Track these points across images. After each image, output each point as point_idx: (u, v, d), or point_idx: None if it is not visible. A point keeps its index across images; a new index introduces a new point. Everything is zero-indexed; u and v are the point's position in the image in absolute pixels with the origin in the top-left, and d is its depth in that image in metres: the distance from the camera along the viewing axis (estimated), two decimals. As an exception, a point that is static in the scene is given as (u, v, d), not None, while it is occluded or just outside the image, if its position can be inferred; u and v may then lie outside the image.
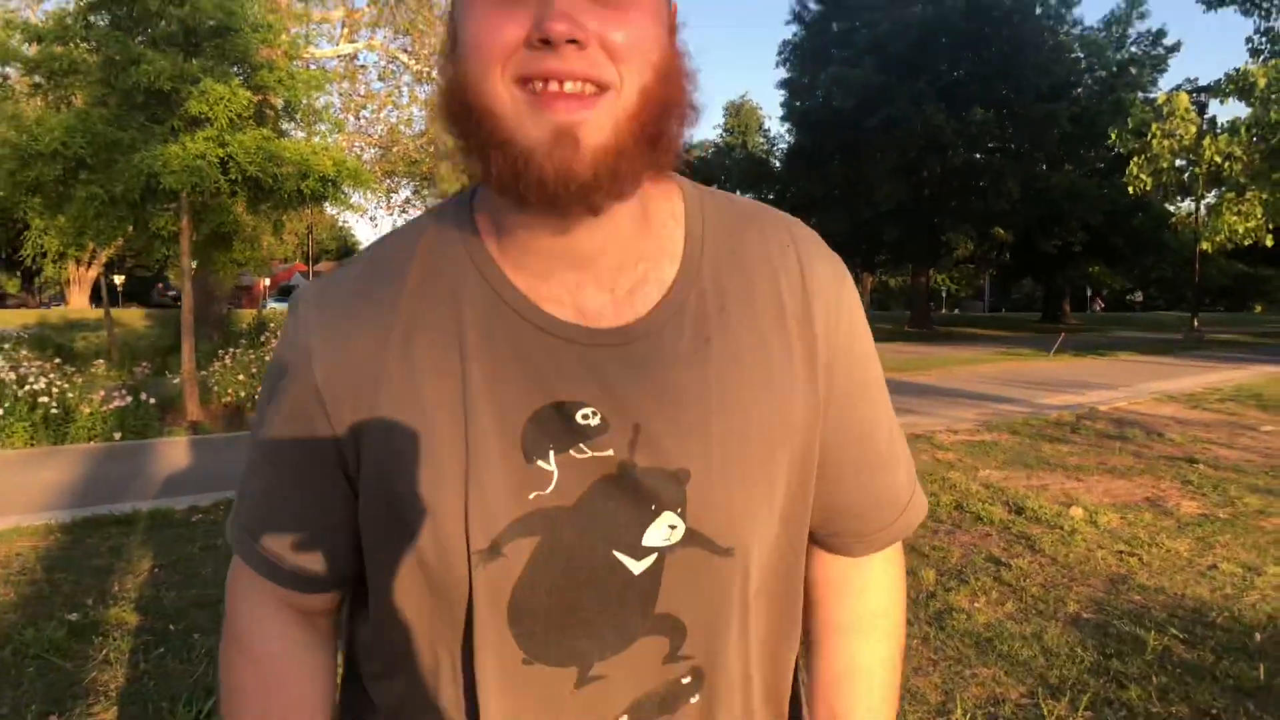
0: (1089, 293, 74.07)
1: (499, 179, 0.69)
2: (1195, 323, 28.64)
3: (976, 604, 4.05)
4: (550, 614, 0.75)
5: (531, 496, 0.74)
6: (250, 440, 0.85)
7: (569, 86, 0.66)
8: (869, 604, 0.92)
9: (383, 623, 0.82)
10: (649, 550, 0.75)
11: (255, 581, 0.86)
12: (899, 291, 71.27)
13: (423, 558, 0.75)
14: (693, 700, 0.80)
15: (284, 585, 0.85)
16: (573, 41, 0.65)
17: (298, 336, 0.79)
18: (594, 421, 0.74)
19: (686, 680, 0.80)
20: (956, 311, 71.55)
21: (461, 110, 0.69)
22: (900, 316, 45.46)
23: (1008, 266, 44.15)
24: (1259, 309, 73.46)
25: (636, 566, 0.75)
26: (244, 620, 0.87)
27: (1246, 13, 26.15)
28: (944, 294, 75.36)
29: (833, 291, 0.84)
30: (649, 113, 0.69)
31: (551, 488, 0.74)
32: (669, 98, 0.71)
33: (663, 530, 0.75)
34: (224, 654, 0.89)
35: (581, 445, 0.74)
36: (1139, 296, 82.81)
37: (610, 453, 0.74)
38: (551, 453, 0.74)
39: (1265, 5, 25.90)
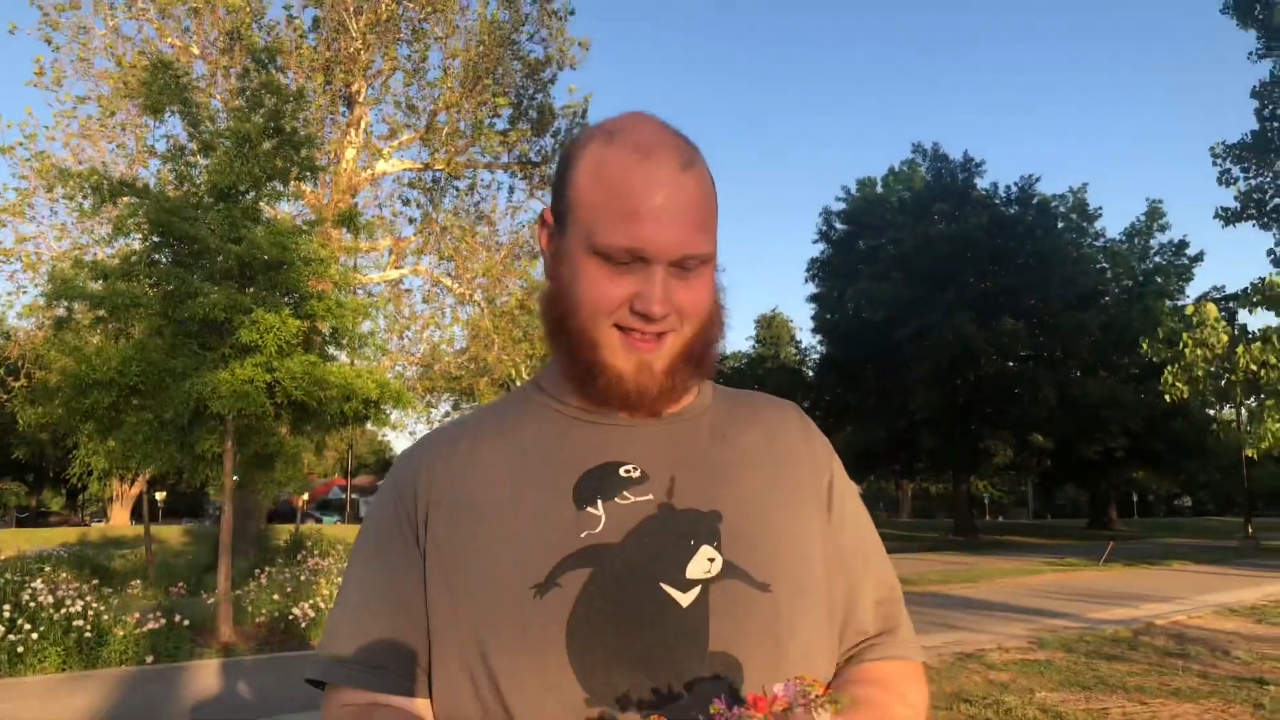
0: (1135, 498, 72.48)
1: (596, 390, 0.93)
2: (1249, 529, 27.83)
3: None
4: (607, 646, 0.84)
5: (583, 535, 0.88)
6: (349, 563, 1.00)
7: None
8: (903, 693, 0.99)
9: (445, 692, 0.90)
10: (693, 583, 0.87)
11: (347, 694, 0.93)
12: (940, 499, 70.20)
13: (479, 601, 0.88)
14: None
15: (373, 689, 0.92)
16: (665, 318, 0.90)
17: (405, 465, 0.99)
18: (635, 474, 0.92)
19: None
20: (1000, 519, 70.04)
21: (568, 326, 0.93)
22: (943, 525, 44.57)
23: (1050, 473, 43.54)
24: (1315, 513, 71.29)
25: (684, 599, 0.86)
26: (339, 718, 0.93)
27: (1264, 227, 26.90)
28: (986, 501, 74.10)
29: (825, 450, 1.06)
30: (698, 343, 0.94)
31: (600, 528, 0.88)
32: (711, 334, 0.96)
33: (702, 563, 0.87)
34: None
35: (625, 493, 0.90)
36: (1188, 501, 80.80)
37: (650, 497, 0.91)
38: (600, 500, 0.90)
39: (1283, 218, 26.67)
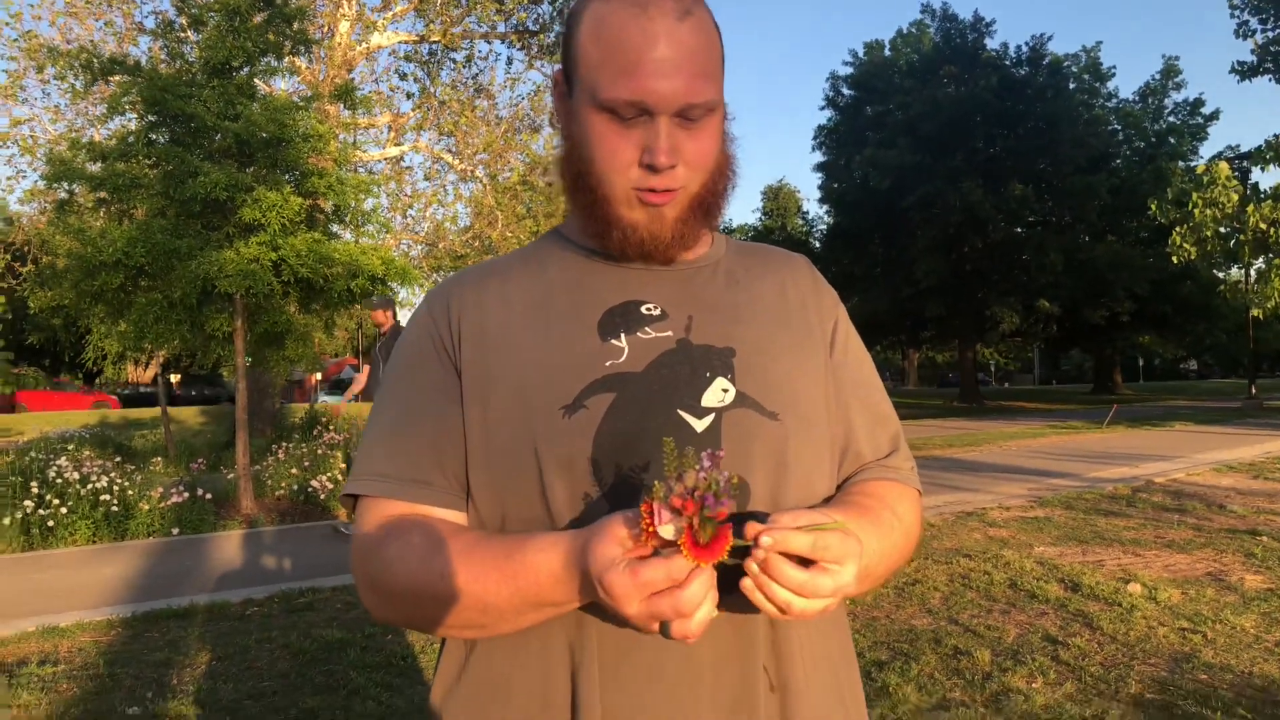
0: (1140, 363, 72.78)
1: (613, 241, 0.98)
2: (1254, 389, 28.04)
3: (1034, 685, 3.97)
4: (629, 465, 0.92)
5: (607, 364, 0.95)
6: (381, 388, 1.05)
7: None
8: (893, 507, 1.04)
9: (477, 509, 0.98)
10: (707, 410, 0.94)
11: (388, 506, 0.98)
12: (946, 367, 70.66)
13: (510, 420, 0.95)
14: None
15: (415, 500, 0.97)
16: (672, 168, 0.94)
17: (438, 296, 1.06)
18: (656, 312, 1.00)
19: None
20: (1006, 385, 70.63)
21: (583, 184, 0.98)
22: (949, 392, 44.98)
23: (1055, 339, 43.64)
24: (1319, 374, 71.64)
25: (699, 424, 0.93)
26: (384, 526, 0.97)
27: (1281, 80, 26.17)
28: (992, 368, 74.50)
29: (832, 299, 1.14)
30: (707, 194, 0.98)
31: (623, 358, 0.96)
32: (720, 184, 1.00)
33: (716, 393, 0.95)
34: (374, 556, 0.96)
35: (647, 329, 0.98)
36: (1194, 365, 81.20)
37: (670, 333, 0.98)
38: (623, 333, 0.98)
39: (1300, 73, 25.91)
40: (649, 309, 1.00)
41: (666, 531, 0.76)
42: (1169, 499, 9.14)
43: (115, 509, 8.42)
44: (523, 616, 0.90)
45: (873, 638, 4.70)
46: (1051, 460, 13.34)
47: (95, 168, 9.14)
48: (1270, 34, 26.89)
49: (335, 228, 10.27)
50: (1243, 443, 15.47)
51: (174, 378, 23.09)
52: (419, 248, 22.17)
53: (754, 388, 0.97)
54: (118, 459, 10.51)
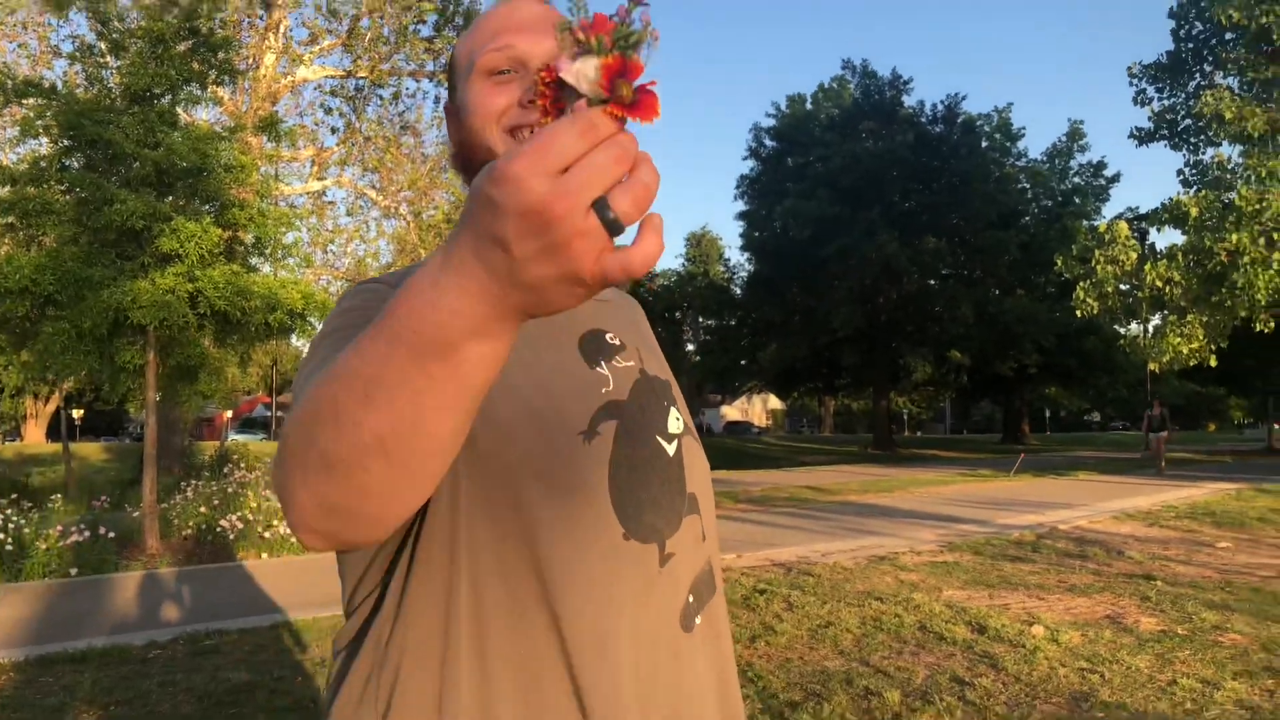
0: (1047, 414, 75.07)
1: None
2: (1150, 442, 29.09)
3: (941, 724, 4.06)
4: (634, 490, 0.94)
5: (603, 391, 0.98)
6: (315, 346, 0.88)
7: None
8: None
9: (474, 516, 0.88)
10: (673, 436, 1.00)
11: None
12: (861, 415, 71.90)
13: (519, 438, 0.89)
14: (716, 587, 1.02)
15: None
16: None
17: (389, 279, 0.99)
18: (617, 342, 1.04)
19: (707, 567, 1.01)
20: (919, 434, 72.20)
21: (468, 157, 0.97)
22: (863, 439, 45.76)
23: (966, 389, 44.91)
24: (1212, 427, 74.81)
25: (670, 449, 0.99)
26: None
27: (1175, 148, 27.58)
28: (905, 416, 76.05)
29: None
30: None
31: (611, 387, 0.99)
32: None
33: (675, 421, 1.02)
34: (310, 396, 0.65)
35: (617, 358, 1.01)
36: (1097, 416, 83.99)
37: (633, 363, 1.03)
38: (603, 362, 1.01)
39: (1192, 140, 27.35)
40: (611, 338, 1.04)
41: (570, 75, 0.54)
42: (1071, 545, 9.44)
43: (9, 548, 8.09)
44: (420, 388, 0.58)
45: (785, 679, 4.76)
46: (961, 507, 13.67)
47: (3, 191, 8.88)
48: (1165, 102, 28.39)
49: (254, 260, 10.12)
50: (1141, 492, 16.06)
51: (76, 413, 22.30)
52: (339, 283, 21.91)
53: (687, 417, 1.05)
54: (14, 496, 10.10)
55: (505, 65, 0.95)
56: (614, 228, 0.52)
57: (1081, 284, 20.43)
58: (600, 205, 0.52)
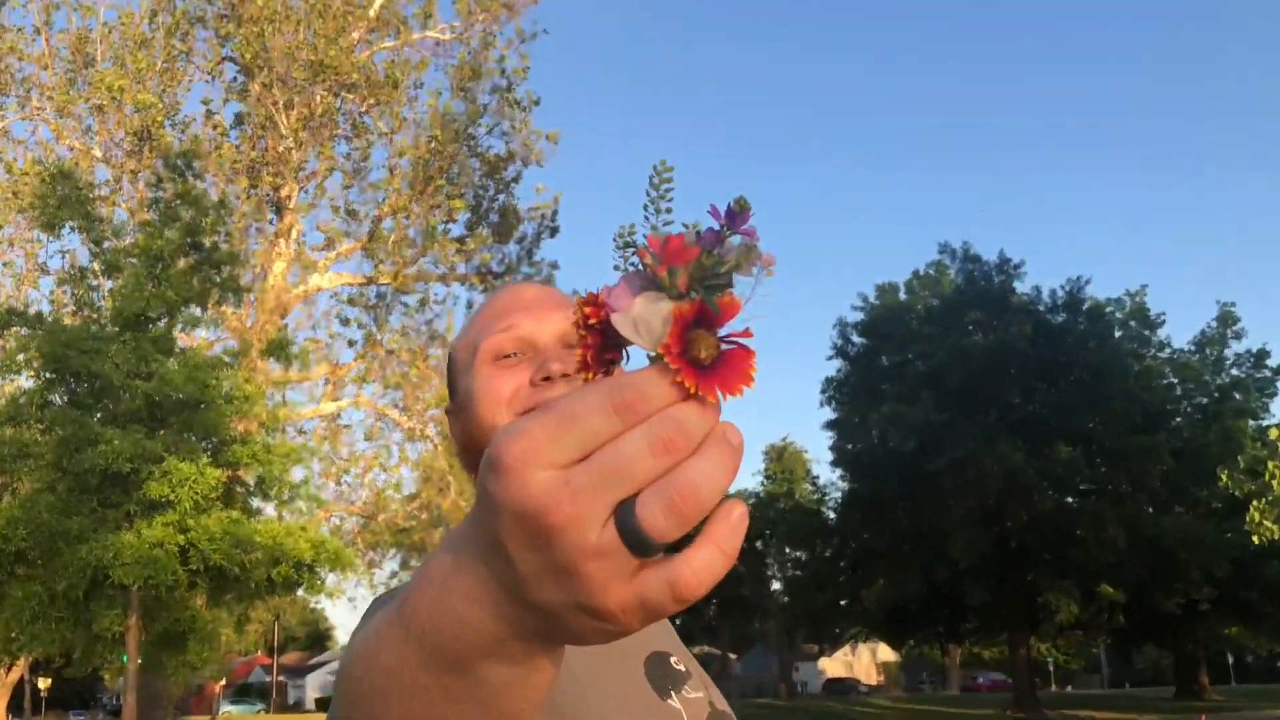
0: (1230, 660, 71.54)
1: None
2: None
3: None
4: None
5: None
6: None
7: None
8: None
9: None
10: None
11: None
12: (994, 666, 69.11)
13: None
14: None
15: None
16: (566, 376, 0.97)
17: None
18: (682, 668, 1.05)
19: None
20: (1069, 689, 68.92)
21: (477, 453, 0.93)
22: (1000, 698, 43.81)
23: (1124, 631, 43.03)
24: None
25: None
26: None
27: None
28: (1051, 667, 72.94)
29: None
30: None
31: None
32: None
33: None
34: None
35: (685, 688, 1.02)
36: (1294, 662, 79.79)
37: (701, 695, 1.04)
38: (673, 692, 1.02)
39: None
40: (676, 662, 1.06)
41: (626, 321, 0.45)
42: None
43: None
44: (434, 699, 0.56)
45: None
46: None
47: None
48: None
49: (257, 502, 10.34)
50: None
51: (42, 683, 22.31)
52: (354, 520, 22.14)
53: None
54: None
55: (512, 348, 1.02)
56: (641, 547, 0.43)
57: (1255, 503, 19.91)
58: (624, 514, 0.43)
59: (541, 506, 0.42)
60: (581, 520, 0.42)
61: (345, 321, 21.02)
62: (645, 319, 0.44)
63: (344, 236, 20.09)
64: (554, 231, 21.82)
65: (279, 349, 10.72)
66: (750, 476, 57.84)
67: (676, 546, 0.44)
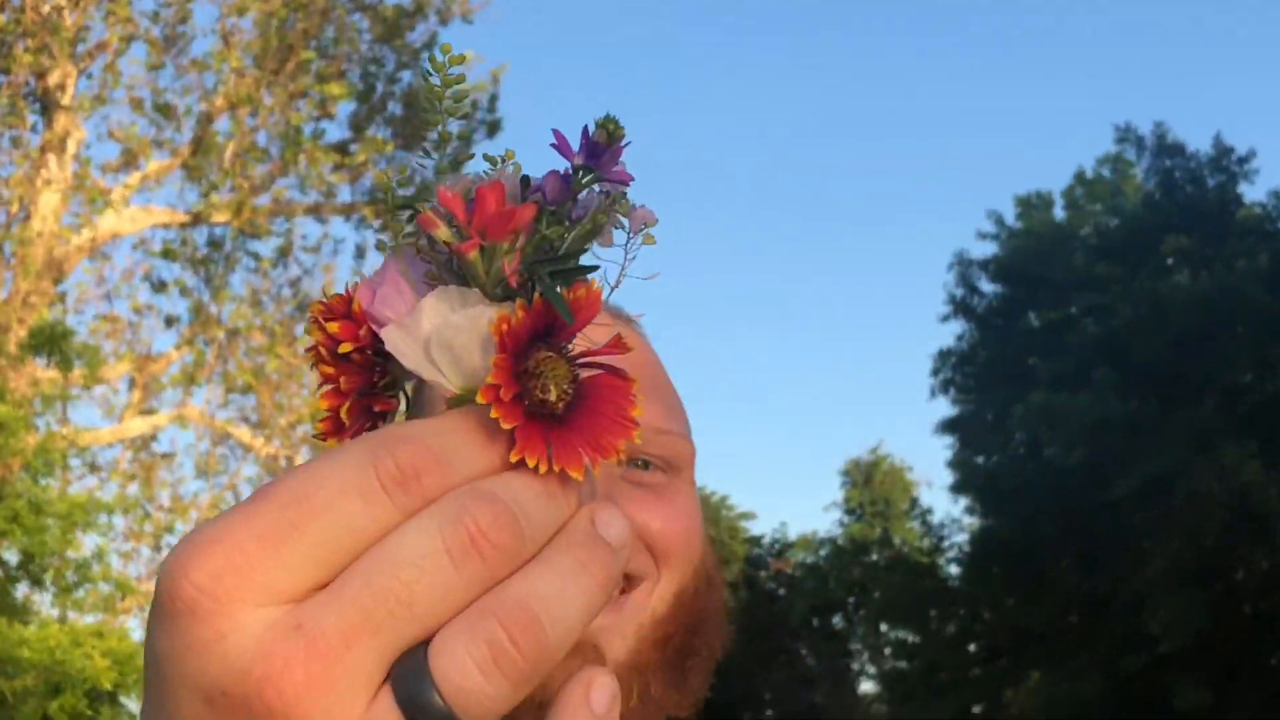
0: None
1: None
2: None
3: None
4: None
5: None
6: None
7: None
8: None
9: None
10: None
11: None
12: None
13: None
14: None
15: None
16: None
17: None
18: None
19: None
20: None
21: None
22: None
23: None
24: None
25: None
26: None
27: None
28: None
29: None
30: (679, 622, 0.96)
31: None
32: (704, 609, 1.00)
33: None
34: None
35: None
36: None
37: None
38: None
39: None
40: None
41: (409, 348, 0.44)
42: None
43: None
44: None
45: None
46: None
47: None
48: None
49: (22, 591, 10.25)
50: None
51: None
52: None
53: None
54: None
55: None
56: None
57: None
58: (408, 673, 0.39)
59: (256, 675, 0.39)
60: (328, 691, 0.38)
61: (159, 286, 20.77)
62: (445, 338, 0.41)
63: (153, 148, 19.89)
64: (493, 128, 21.61)
65: (51, 337, 10.58)
66: (822, 513, 57.97)
67: None
